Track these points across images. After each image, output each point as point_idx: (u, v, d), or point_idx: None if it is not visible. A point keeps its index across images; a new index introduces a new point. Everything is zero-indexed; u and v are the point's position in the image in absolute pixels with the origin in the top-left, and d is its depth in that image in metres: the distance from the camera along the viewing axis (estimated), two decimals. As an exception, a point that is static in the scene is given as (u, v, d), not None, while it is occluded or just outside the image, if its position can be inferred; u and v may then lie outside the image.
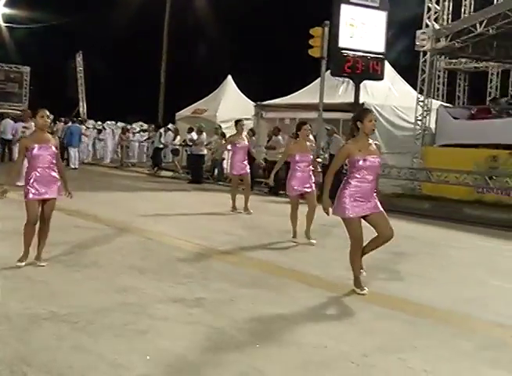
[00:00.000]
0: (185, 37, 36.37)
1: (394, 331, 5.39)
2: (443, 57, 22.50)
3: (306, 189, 9.42)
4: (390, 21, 16.71)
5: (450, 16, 20.50)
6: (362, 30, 16.42)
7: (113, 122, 31.66)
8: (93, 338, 4.81)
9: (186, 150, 22.05)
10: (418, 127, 17.60)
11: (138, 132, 29.23)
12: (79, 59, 40.30)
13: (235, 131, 13.35)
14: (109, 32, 39.62)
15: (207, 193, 17.12)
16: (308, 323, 5.49)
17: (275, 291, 6.49)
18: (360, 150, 6.32)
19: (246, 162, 12.86)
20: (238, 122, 13.36)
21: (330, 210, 6.53)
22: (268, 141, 18.86)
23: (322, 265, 7.87)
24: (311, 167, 9.59)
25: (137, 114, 33.33)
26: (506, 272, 8.17)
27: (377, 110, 17.70)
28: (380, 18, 16.78)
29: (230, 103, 24.41)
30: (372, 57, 16.53)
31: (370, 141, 6.46)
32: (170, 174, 22.25)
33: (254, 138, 17.81)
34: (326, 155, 16.38)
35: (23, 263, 6.91)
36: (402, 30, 26.27)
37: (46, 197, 6.94)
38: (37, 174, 6.87)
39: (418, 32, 17.39)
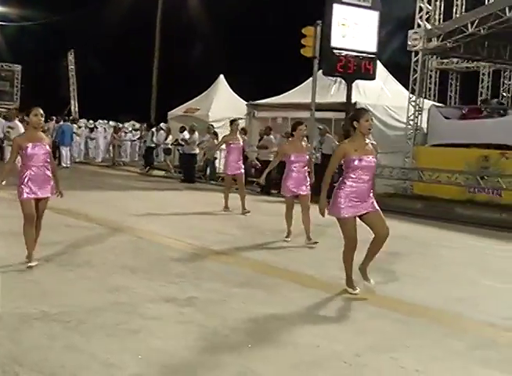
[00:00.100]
0: (178, 37, 36.30)
1: (387, 331, 5.40)
2: (435, 57, 22.58)
3: (301, 192, 9.38)
4: (382, 21, 16.73)
5: (442, 16, 20.54)
6: (354, 29, 16.43)
7: (105, 121, 31.59)
8: (85, 338, 4.79)
9: (178, 150, 22.01)
10: (410, 127, 17.63)
11: (130, 131, 29.17)
12: (71, 57, 40.17)
13: (227, 131, 13.34)
14: (102, 30, 39.51)
15: (200, 193, 17.10)
16: (300, 322, 5.50)
17: (268, 290, 6.48)
18: (356, 150, 6.28)
19: (240, 162, 12.85)
20: (233, 122, 13.34)
21: (326, 211, 6.51)
22: (260, 140, 18.87)
23: (316, 265, 7.87)
24: (306, 168, 9.54)
25: (129, 113, 33.27)
26: (497, 272, 8.20)
27: (370, 110, 17.69)
28: (372, 18, 16.80)
29: (222, 103, 24.38)
30: (364, 57, 16.55)
31: (367, 141, 6.42)
32: (162, 173, 22.23)
33: (245, 137, 17.79)
34: (318, 154, 16.39)
35: (35, 262, 6.89)
36: (394, 29, 26.36)
37: (41, 196, 6.93)
38: (32, 173, 6.85)
39: (410, 32, 17.42)
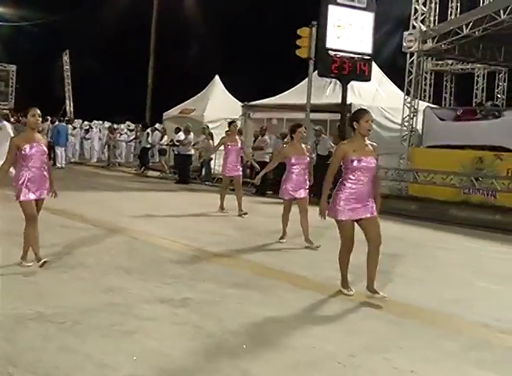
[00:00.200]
0: (173, 38, 36.25)
1: (380, 332, 5.41)
2: (430, 58, 22.63)
3: (299, 195, 9.34)
4: (378, 22, 16.77)
5: (437, 17, 20.60)
6: (350, 31, 16.45)
7: (100, 122, 31.53)
8: (80, 339, 4.79)
9: (173, 150, 22.00)
10: (405, 128, 17.66)
11: (126, 132, 29.13)
12: (66, 58, 40.09)
13: (223, 132, 13.32)
14: (97, 31, 39.48)
15: (195, 194, 17.10)
16: (295, 323, 5.50)
17: (264, 291, 6.49)
18: (355, 151, 6.24)
19: (238, 164, 12.82)
20: (231, 123, 13.33)
21: (327, 213, 6.49)
22: (255, 141, 18.87)
23: (312, 267, 7.88)
24: (307, 170, 9.51)
25: (124, 114, 33.20)
26: (491, 274, 8.23)
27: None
28: (367, 19, 16.82)
29: (217, 103, 24.38)
30: (359, 58, 16.58)
31: (367, 142, 6.37)
32: (157, 174, 22.21)
33: (242, 138, 17.79)
34: (314, 155, 16.38)
35: (31, 263, 6.90)
36: (389, 31, 26.44)
37: (40, 197, 6.92)
38: (31, 174, 6.83)
39: (405, 33, 17.45)
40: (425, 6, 17.52)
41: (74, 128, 27.85)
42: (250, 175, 17.94)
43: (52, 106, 34.21)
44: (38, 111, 6.93)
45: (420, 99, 18.96)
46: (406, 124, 17.65)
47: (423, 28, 17.15)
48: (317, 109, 17.66)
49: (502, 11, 14.63)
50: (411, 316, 5.96)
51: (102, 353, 4.51)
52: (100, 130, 29.09)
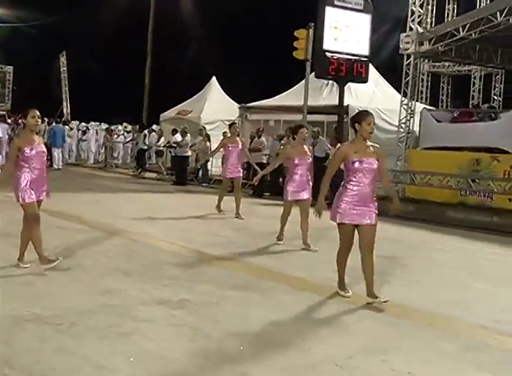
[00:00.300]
0: (171, 39, 36.24)
1: (378, 333, 5.41)
2: (427, 60, 22.67)
3: (302, 197, 9.33)
4: (375, 23, 16.79)
5: (434, 19, 20.64)
6: (347, 32, 16.47)
7: (97, 123, 31.50)
8: (77, 340, 4.78)
9: (170, 152, 21.99)
10: (402, 130, 17.67)
11: (123, 134, 29.10)
12: (63, 59, 40.01)
13: (220, 133, 13.28)
14: (94, 32, 39.43)
15: (192, 195, 17.09)
16: (293, 326, 5.50)
17: (262, 293, 6.48)
18: (356, 152, 6.19)
19: (239, 165, 12.76)
20: (232, 125, 13.29)
21: (324, 213, 6.49)
22: (251, 143, 18.86)
23: (310, 268, 7.88)
24: (309, 171, 9.50)
25: (121, 115, 33.17)
26: (489, 275, 8.23)
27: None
28: (364, 21, 16.85)
29: (214, 105, 24.36)
30: (356, 60, 16.59)
31: (368, 143, 6.31)
32: (154, 175, 22.18)
33: (242, 139, 17.77)
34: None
35: (54, 263, 6.89)
36: (387, 31, 26.47)
37: (40, 198, 6.92)
38: (33, 176, 6.82)
39: (402, 35, 17.47)
40: (422, 8, 17.52)
41: (71, 129, 27.83)
42: (247, 177, 17.93)
43: (49, 108, 34.12)
44: (38, 113, 6.92)
45: (417, 101, 18.97)
46: (403, 125, 17.66)
47: (420, 30, 17.16)
48: (314, 110, 17.68)
49: (498, 13, 14.66)
50: (409, 317, 5.96)
51: (99, 355, 4.50)
52: (97, 131, 29.05)
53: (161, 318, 5.45)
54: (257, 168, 13.32)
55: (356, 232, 6.36)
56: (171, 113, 25.86)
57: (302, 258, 8.68)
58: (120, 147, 28.26)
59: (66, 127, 26.58)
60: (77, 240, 8.78)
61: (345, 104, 17.35)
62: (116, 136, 27.77)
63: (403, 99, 17.76)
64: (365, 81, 17.16)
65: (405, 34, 17.36)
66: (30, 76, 41.67)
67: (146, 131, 23.57)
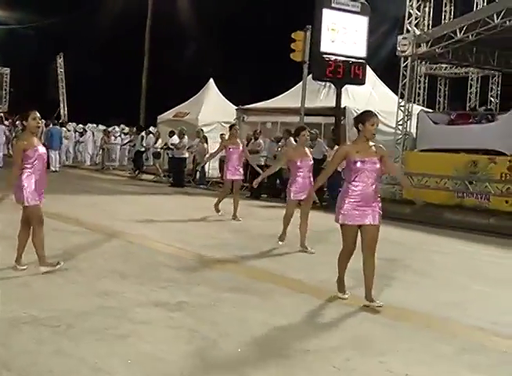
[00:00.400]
0: (169, 40, 36.26)
1: (376, 335, 5.41)
2: (424, 62, 22.67)
3: (304, 197, 9.35)
4: (373, 24, 16.84)
5: (431, 21, 20.64)
6: (344, 34, 16.51)
7: (94, 125, 31.48)
8: (74, 342, 4.78)
9: (168, 154, 21.99)
10: (399, 131, 17.69)
11: (120, 135, 29.09)
12: (60, 61, 40.00)
13: (217, 135, 13.25)
14: (92, 34, 39.44)
15: (189, 197, 17.08)
16: (291, 328, 5.50)
17: (259, 295, 6.48)
18: (358, 152, 6.15)
19: (240, 167, 12.69)
20: (232, 126, 13.26)
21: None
22: (247, 145, 18.85)
23: (308, 270, 7.88)
24: (311, 173, 9.51)
25: (118, 117, 33.17)
26: (486, 277, 8.25)
27: (354, 116, 17.75)
28: (361, 23, 16.89)
29: (212, 107, 24.37)
30: (353, 62, 16.62)
31: (371, 144, 6.26)
32: (151, 177, 22.17)
33: (243, 140, 17.76)
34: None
35: (56, 267, 6.90)
36: (385, 32, 26.50)
37: (42, 200, 6.92)
38: (37, 177, 6.82)
39: (399, 37, 17.49)
40: (419, 10, 17.56)
41: (68, 130, 27.81)
42: (245, 178, 17.93)
43: (46, 109, 34.06)
44: (38, 114, 6.93)
45: (414, 103, 19.00)
46: (400, 127, 17.68)
47: (417, 32, 17.19)
48: (311, 112, 17.70)
49: (495, 15, 14.68)
50: (406, 319, 5.96)
51: (97, 357, 4.49)
52: (93, 133, 29.02)
53: (158, 320, 5.45)
54: (258, 169, 13.30)
55: (360, 233, 6.30)
56: (168, 114, 25.86)
57: (300, 259, 8.68)
58: (118, 149, 28.25)
59: (64, 129, 26.56)
60: (74, 242, 8.77)
61: (342, 106, 17.38)
62: (113, 138, 27.75)
63: (400, 100, 17.78)
64: (362, 83, 17.20)
65: (402, 36, 17.38)
66: (27, 77, 41.67)
67: (143, 133, 23.57)
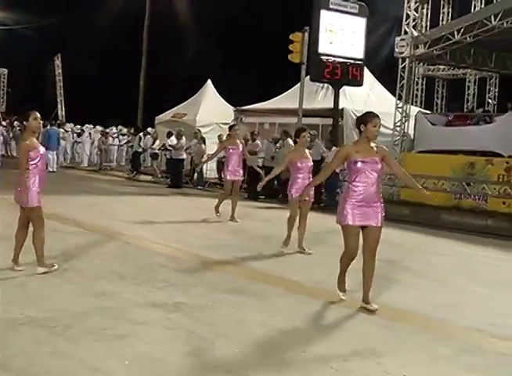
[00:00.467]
0: (167, 41, 36.25)
1: (374, 336, 5.42)
2: (421, 64, 22.71)
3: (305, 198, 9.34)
4: (372, 25, 16.87)
5: (428, 23, 20.69)
6: (342, 36, 16.55)
7: (91, 126, 31.48)
8: (71, 343, 4.77)
9: (166, 155, 21.99)
10: (397, 133, 17.72)
11: (117, 136, 29.10)
12: (58, 61, 39.98)
13: (215, 136, 13.22)
14: (90, 35, 39.42)
15: (187, 198, 17.07)
16: (287, 328, 5.50)
17: (257, 296, 6.48)
18: (358, 152, 6.11)
19: (240, 168, 12.62)
20: (232, 127, 13.22)
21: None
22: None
23: (305, 271, 7.88)
24: (310, 174, 9.51)
25: (116, 118, 33.17)
26: (483, 279, 8.26)
27: (357, 116, 17.78)
28: (359, 24, 16.92)
29: (210, 108, 24.38)
30: (351, 63, 16.65)
31: (372, 145, 6.22)
32: (149, 178, 22.16)
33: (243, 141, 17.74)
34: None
35: (52, 268, 6.92)
36: (383, 34, 26.53)
37: (41, 200, 6.93)
38: (40, 178, 6.84)
39: (397, 39, 17.53)
40: (417, 12, 17.59)
41: (66, 131, 27.80)
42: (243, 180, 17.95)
43: (43, 110, 33.95)
44: (39, 114, 6.93)
45: (412, 104, 19.02)
46: (398, 129, 17.71)
47: (415, 33, 17.23)
48: (309, 113, 17.71)
49: (493, 17, 14.72)
50: (404, 320, 5.97)
51: (94, 357, 4.49)
52: (90, 134, 29.01)
53: (156, 321, 5.45)
54: (259, 170, 13.27)
55: (362, 235, 6.25)
56: (166, 115, 25.86)
57: (298, 260, 8.68)
58: (115, 150, 28.25)
59: (61, 129, 26.54)
60: (72, 243, 8.76)
61: (340, 107, 17.41)
62: (111, 139, 27.75)
63: (398, 102, 17.80)
64: (360, 84, 17.24)
65: (400, 38, 17.42)
66: (25, 78, 41.64)
67: (141, 134, 23.58)
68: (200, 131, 21.08)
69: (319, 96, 19.62)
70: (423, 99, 26.89)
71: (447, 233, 12.38)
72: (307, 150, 9.63)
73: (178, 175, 20.11)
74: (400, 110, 17.69)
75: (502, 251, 10.69)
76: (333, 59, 16.33)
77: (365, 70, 17.93)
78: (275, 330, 5.38)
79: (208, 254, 8.56)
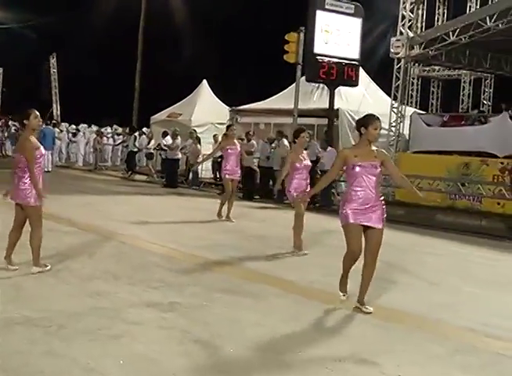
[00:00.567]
0: (162, 41, 36.22)
1: (369, 337, 5.42)
2: (417, 64, 22.76)
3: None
4: (367, 28, 16.89)
5: (424, 24, 20.73)
6: (337, 36, 16.55)
7: (86, 125, 31.42)
8: (66, 343, 4.76)
9: (161, 154, 21.98)
10: (392, 133, 17.74)
11: (112, 136, 29.05)
12: (53, 61, 39.91)
13: (211, 136, 13.20)
14: (85, 34, 39.35)
15: (182, 198, 17.05)
16: (282, 328, 5.50)
17: (252, 296, 6.48)
18: (356, 156, 6.07)
19: (238, 168, 12.57)
20: (229, 127, 13.22)
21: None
22: (240, 146, 18.85)
23: (300, 271, 7.87)
24: (308, 174, 9.50)
25: (111, 117, 33.12)
26: (478, 279, 8.28)
27: (352, 116, 17.83)
28: (354, 25, 16.93)
29: (205, 108, 24.37)
30: (346, 63, 16.66)
31: (373, 148, 6.16)
32: (144, 178, 22.14)
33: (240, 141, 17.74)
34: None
35: (46, 268, 6.91)
36: (380, 34, 26.56)
37: None
38: (42, 177, 6.85)
39: (392, 39, 17.56)
40: (412, 13, 17.62)
41: (61, 131, 27.74)
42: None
43: (38, 110, 33.80)
44: (38, 113, 6.95)
45: (407, 105, 19.06)
46: (393, 129, 17.73)
47: (411, 34, 17.25)
48: (304, 114, 17.72)
49: (488, 18, 14.76)
50: (400, 321, 5.98)
51: (89, 357, 4.48)
52: (84, 133, 28.95)
53: (151, 320, 5.44)
54: (256, 169, 13.23)
55: (364, 237, 6.19)
56: (161, 115, 25.84)
57: (293, 261, 8.67)
58: (110, 149, 28.20)
59: (56, 129, 26.48)
60: (67, 243, 8.74)
61: (335, 108, 17.41)
62: (106, 139, 27.70)
63: (393, 102, 17.83)
64: (355, 84, 17.24)
65: (395, 38, 17.45)
66: (20, 78, 41.50)
67: (136, 134, 23.53)
68: (195, 131, 21.06)
69: (315, 96, 19.63)
70: (419, 99, 26.98)
71: (442, 233, 12.40)
72: (304, 151, 9.65)
73: (174, 175, 20.10)
74: (395, 110, 17.71)
75: (497, 252, 10.72)
76: (328, 59, 16.33)
77: (361, 70, 17.93)
78: (270, 330, 5.38)
79: (204, 254, 8.55)
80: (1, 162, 21.13)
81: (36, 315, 5.35)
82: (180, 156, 20.26)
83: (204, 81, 26.16)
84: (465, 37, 15.66)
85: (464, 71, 24.74)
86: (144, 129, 25.79)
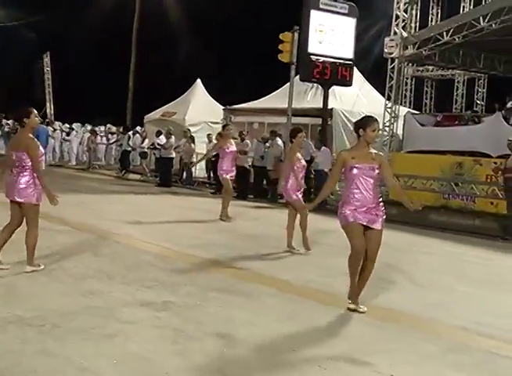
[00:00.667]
0: (156, 40, 36.16)
1: (362, 335, 5.43)
2: (411, 64, 22.81)
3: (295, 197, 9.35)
4: (360, 28, 16.92)
5: (418, 24, 20.78)
6: (332, 36, 16.57)
7: (80, 124, 31.34)
8: (59, 342, 4.75)
9: (155, 154, 21.95)
10: (385, 133, 17.77)
11: (106, 135, 28.98)
12: (46, 59, 39.79)
13: (204, 135, 13.19)
14: (79, 33, 39.22)
15: (176, 197, 17.03)
16: (276, 327, 5.50)
17: (245, 295, 6.48)
18: (354, 158, 6.05)
19: (234, 167, 12.61)
20: (225, 127, 13.22)
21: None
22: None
23: (295, 271, 7.88)
24: (303, 174, 9.52)
25: (105, 116, 33.04)
26: (471, 278, 8.31)
27: (346, 116, 17.87)
28: (349, 25, 16.95)
29: (199, 107, 24.34)
30: (341, 63, 16.68)
31: (371, 150, 6.15)
32: (138, 177, 22.12)
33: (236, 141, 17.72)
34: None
35: (39, 268, 6.88)
36: (373, 36, 26.62)
37: None
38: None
39: (386, 39, 17.58)
40: (406, 13, 17.64)
41: (54, 130, 27.66)
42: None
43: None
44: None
45: (401, 105, 19.09)
46: (387, 129, 17.75)
47: (405, 34, 17.28)
48: (298, 113, 17.73)
49: (481, 18, 14.80)
50: (394, 320, 5.99)
51: (82, 357, 4.47)
52: (77, 132, 28.87)
53: (145, 320, 5.43)
54: (249, 168, 13.23)
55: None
56: (155, 114, 25.80)
57: (287, 260, 8.68)
58: (104, 148, 28.14)
59: (50, 128, 26.41)
60: (61, 242, 8.72)
61: (329, 107, 17.43)
62: (100, 138, 27.64)
63: (387, 102, 17.86)
64: (349, 84, 17.26)
65: (389, 38, 17.48)
66: (13, 76, 41.35)
67: (129, 133, 23.49)
68: (189, 130, 21.04)
69: (309, 96, 19.64)
70: (412, 99, 27.05)
71: (435, 232, 12.43)
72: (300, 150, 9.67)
73: (167, 174, 20.08)
74: (389, 110, 17.74)
75: (490, 251, 10.75)
76: (322, 59, 16.34)
77: (355, 70, 17.95)
78: (264, 329, 5.38)
79: (198, 254, 8.55)
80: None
81: (29, 314, 5.34)
82: (174, 155, 20.24)
83: (198, 81, 26.14)
84: (459, 38, 15.70)
85: (458, 71, 24.81)
86: (138, 128, 25.75)
